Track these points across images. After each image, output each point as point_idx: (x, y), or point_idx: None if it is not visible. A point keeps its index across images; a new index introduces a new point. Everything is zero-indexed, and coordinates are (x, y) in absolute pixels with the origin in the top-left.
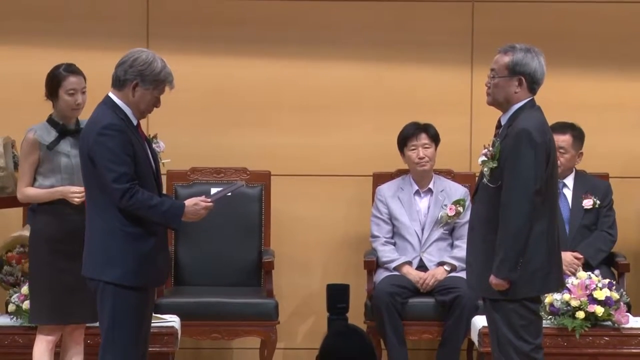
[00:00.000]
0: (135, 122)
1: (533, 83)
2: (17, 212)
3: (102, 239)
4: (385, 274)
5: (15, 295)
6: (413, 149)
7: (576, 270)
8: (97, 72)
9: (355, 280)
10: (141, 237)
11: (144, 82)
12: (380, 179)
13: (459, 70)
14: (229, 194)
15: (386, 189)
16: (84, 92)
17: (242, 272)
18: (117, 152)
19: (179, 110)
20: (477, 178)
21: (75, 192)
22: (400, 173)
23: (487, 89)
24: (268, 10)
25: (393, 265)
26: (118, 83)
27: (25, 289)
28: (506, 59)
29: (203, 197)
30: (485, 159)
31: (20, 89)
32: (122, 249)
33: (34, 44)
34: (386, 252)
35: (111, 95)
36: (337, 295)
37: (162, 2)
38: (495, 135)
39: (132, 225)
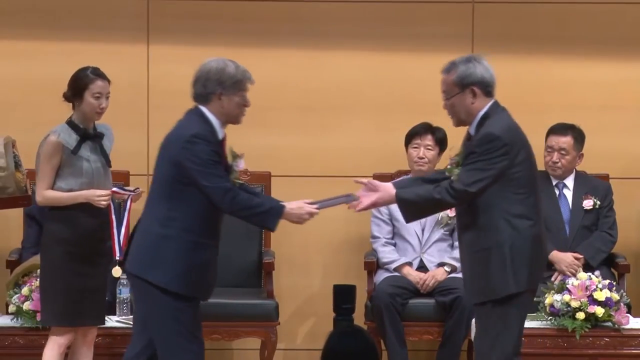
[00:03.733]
0: (220, 136)
1: (486, 87)
2: (17, 213)
3: (156, 241)
4: (385, 274)
5: (15, 296)
6: (415, 148)
7: (576, 271)
8: None
9: (355, 281)
10: (196, 248)
11: (226, 89)
12: (380, 179)
13: None
14: (337, 204)
15: None
16: (107, 97)
17: (243, 273)
18: (210, 157)
19: (179, 111)
20: None
21: (102, 196)
22: (400, 174)
23: (448, 113)
24: (268, 10)
25: (393, 266)
26: (201, 98)
27: (25, 290)
28: (451, 77)
29: (309, 201)
30: (450, 166)
31: (19, 90)
32: (175, 254)
33: (34, 45)
34: (386, 253)
35: (201, 107)
36: (343, 296)
37: (163, 2)
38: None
39: (191, 234)
